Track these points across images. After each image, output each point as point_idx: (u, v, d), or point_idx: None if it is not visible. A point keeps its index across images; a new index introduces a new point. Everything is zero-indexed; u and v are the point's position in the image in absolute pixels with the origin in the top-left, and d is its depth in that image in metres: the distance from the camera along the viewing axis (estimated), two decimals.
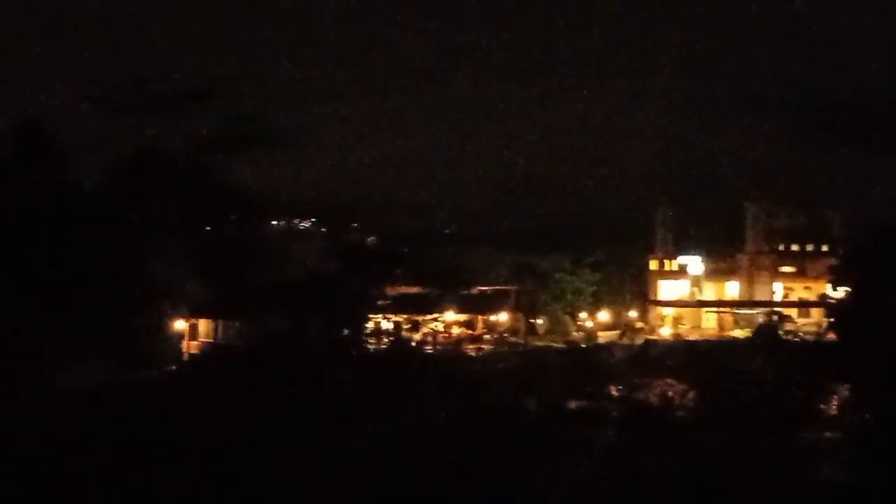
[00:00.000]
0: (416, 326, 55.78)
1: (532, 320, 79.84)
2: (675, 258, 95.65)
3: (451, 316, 69.77)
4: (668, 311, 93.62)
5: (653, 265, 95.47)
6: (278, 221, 35.15)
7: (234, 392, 23.45)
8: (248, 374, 24.58)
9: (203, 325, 30.98)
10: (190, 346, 30.11)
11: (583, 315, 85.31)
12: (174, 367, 28.22)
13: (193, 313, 30.53)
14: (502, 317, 77.64)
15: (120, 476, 19.83)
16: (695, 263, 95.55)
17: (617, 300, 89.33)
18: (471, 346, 57.69)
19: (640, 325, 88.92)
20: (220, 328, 30.75)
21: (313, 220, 40.01)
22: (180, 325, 30.28)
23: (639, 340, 75.10)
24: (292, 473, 20.85)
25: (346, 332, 30.57)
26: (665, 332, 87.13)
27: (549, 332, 79.22)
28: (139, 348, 26.19)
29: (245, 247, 29.60)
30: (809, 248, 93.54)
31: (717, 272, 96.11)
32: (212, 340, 30.62)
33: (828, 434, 26.57)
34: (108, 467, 20.03)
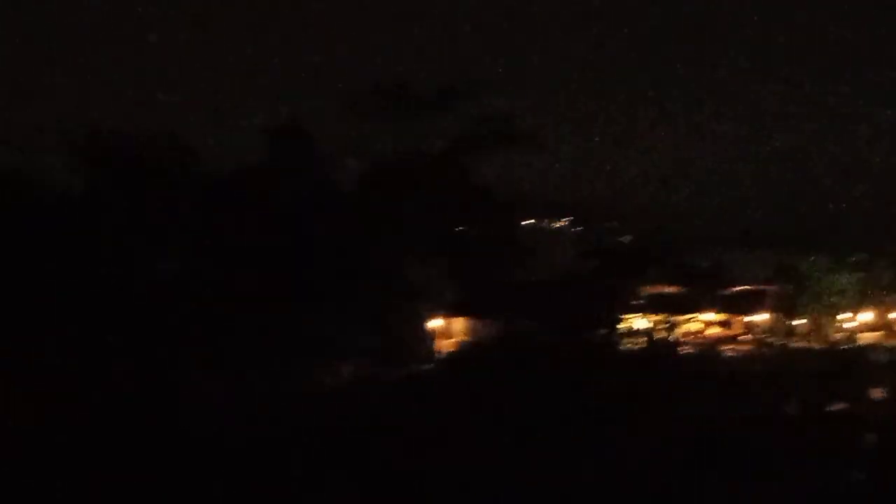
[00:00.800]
0: (672, 327, 54.65)
1: (791, 321, 77.07)
2: None
3: (707, 316, 68.16)
4: None
5: None
6: (532, 220, 34.99)
7: (488, 390, 23.45)
8: (501, 373, 24.54)
9: (457, 323, 31.09)
10: (444, 345, 30.26)
11: (844, 316, 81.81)
12: (430, 366, 28.44)
13: (448, 312, 30.71)
14: (760, 318, 75.24)
15: (372, 472, 19.98)
16: None
17: (882, 300, 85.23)
18: (728, 347, 56.07)
19: None
20: (474, 327, 30.78)
21: (567, 219, 39.63)
22: (435, 323, 30.49)
23: None
24: (545, 472, 20.65)
25: (599, 332, 30.32)
26: None
27: (808, 333, 76.38)
28: (395, 346, 26.50)
29: (498, 246, 29.63)
30: None
31: None
32: (466, 339, 30.70)
33: None
34: (361, 464, 20.21)
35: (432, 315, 30.20)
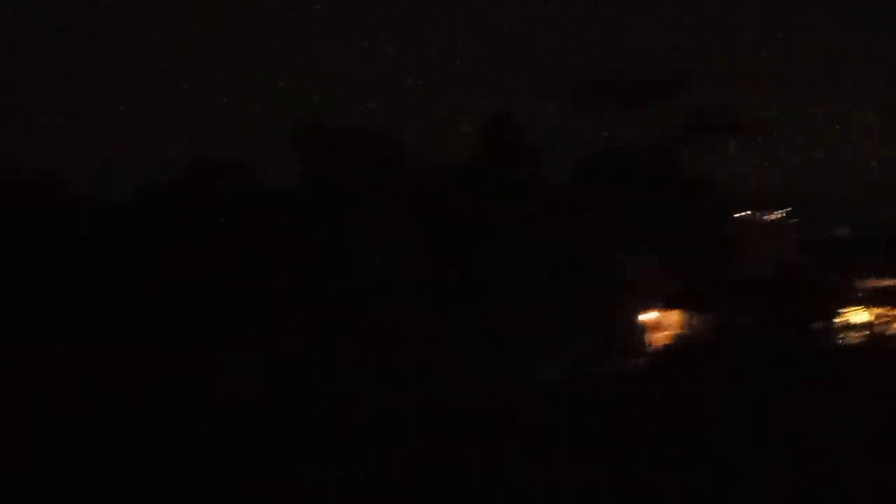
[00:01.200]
0: (892, 320, 52.43)
1: None
2: None
3: None
4: None
5: None
6: (747, 212, 34.17)
7: (701, 386, 23.16)
8: (715, 369, 24.20)
9: (670, 317, 30.64)
10: (657, 339, 29.87)
11: None
12: (642, 359, 28.17)
13: (661, 306, 30.31)
14: None
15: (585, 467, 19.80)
16: None
17: None
18: None
19: None
20: (687, 321, 30.30)
21: (784, 210, 38.55)
22: (648, 316, 30.12)
23: None
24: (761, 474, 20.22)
25: (818, 327, 29.58)
26: None
27: None
28: (608, 340, 26.39)
29: (713, 239, 29.14)
30: None
31: None
32: (679, 333, 30.23)
33: None
34: (573, 459, 20.13)
35: (645, 309, 29.89)
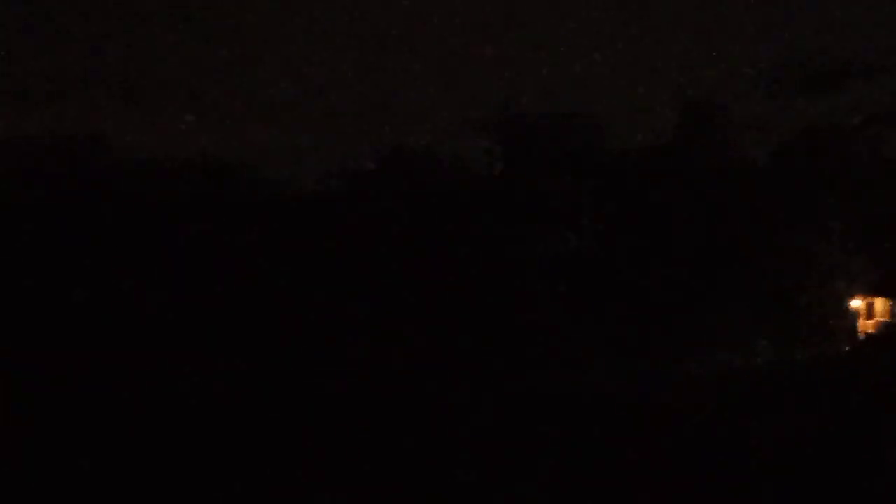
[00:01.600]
0: None
1: None
2: None
3: None
4: None
5: None
6: None
7: None
8: None
9: (879, 304, 29.74)
10: (866, 325, 29.03)
11: None
12: (850, 346, 27.49)
13: (870, 292, 29.45)
14: None
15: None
16: None
17: None
18: None
19: None
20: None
21: None
22: (856, 303, 29.29)
23: None
24: None
25: None
26: None
27: None
28: (811, 327, 25.87)
29: None
30: None
31: None
32: (889, 319, 29.37)
33: None
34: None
35: (854, 295, 29.13)
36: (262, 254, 24.28)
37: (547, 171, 24.82)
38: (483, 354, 23.21)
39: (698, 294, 23.50)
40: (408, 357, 22.80)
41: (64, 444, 20.67)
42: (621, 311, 23.53)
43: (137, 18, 33.07)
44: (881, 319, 29.25)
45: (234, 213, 24.98)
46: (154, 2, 33.85)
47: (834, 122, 28.20)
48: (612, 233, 24.68)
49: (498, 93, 28.46)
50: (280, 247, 24.49)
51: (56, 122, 29.22)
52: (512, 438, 20.50)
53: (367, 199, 25.50)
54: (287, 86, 32.25)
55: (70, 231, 24.50)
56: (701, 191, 24.48)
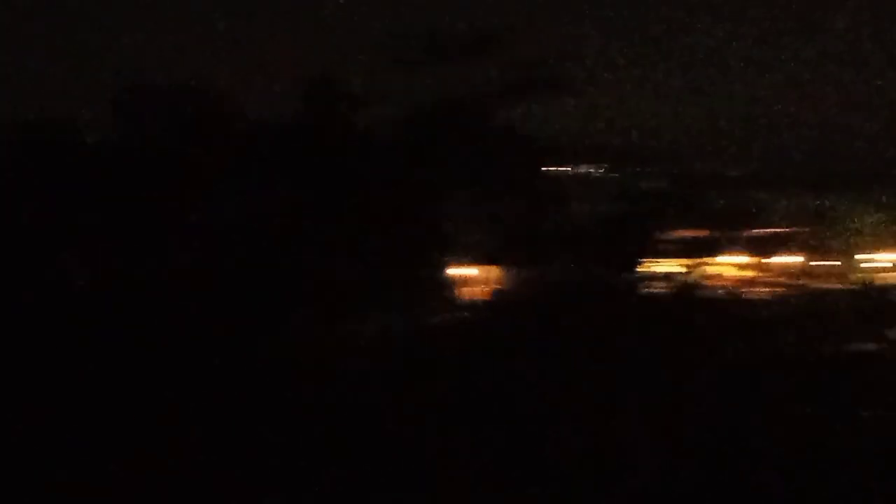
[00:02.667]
0: (698, 270, 54.46)
1: (819, 262, 76.75)
2: None
3: (734, 259, 67.99)
4: None
5: None
6: (565, 167, 34.84)
7: (517, 338, 23.55)
8: (531, 320, 24.65)
9: (490, 271, 31.08)
10: (477, 293, 30.30)
11: (873, 255, 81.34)
12: (461, 314, 28.51)
13: (480, 260, 30.72)
14: (788, 259, 74.89)
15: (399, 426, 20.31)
16: None
17: None
18: (755, 290, 55.80)
19: None
20: (507, 274, 30.82)
21: (601, 165, 39.53)
22: (468, 271, 30.47)
23: None
24: (575, 417, 20.77)
25: (628, 276, 30.45)
26: None
27: (836, 273, 75.86)
28: (427, 295, 26.60)
29: (533, 193, 29.63)
30: None
31: None
32: (498, 287, 30.74)
33: None
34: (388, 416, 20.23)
35: (465, 263, 30.21)
36: None
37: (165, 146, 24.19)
38: None
39: (310, 266, 23.67)
40: None
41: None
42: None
43: None
44: (492, 287, 30.62)
45: None
46: None
47: (457, 92, 28.88)
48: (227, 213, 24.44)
49: None
50: None
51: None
52: None
53: None
54: None
55: None
56: (319, 165, 24.60)
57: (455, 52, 28.65)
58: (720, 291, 45.26)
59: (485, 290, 30.73)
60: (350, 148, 25.50)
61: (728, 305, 35.81)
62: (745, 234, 64.78)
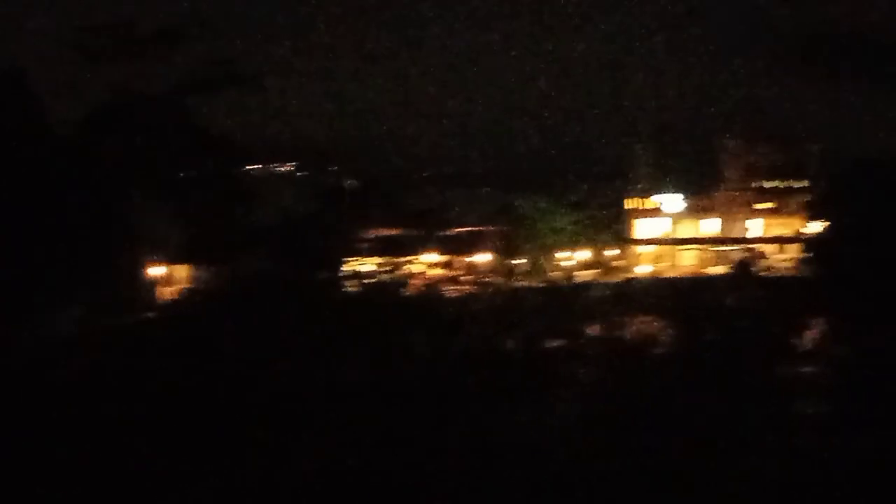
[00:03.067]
0: (395, 268, 55.73)
1: (511, 261, 79.67)
2: (652, 196, 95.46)
3: (430, 257, 69.82)
4: (647, 249, 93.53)
5: (631, 204, 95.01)
6: (257, 165, 34.89)
7: (212, 337, 23.42)
8: (225, 318, 24.53)
9: (182, 270, 30.80)
10: (167, 292, 29.97)
11: (562, 255, 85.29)
12: (151, 314, 28.10)
13: (172, 259, 30.40)
14: (481, 258, 77.46)
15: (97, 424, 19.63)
16: (672, 201, 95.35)
17: (596, 239, 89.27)
18: (450, 288, 57.69)
19: (618, 263, 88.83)
20: (198, 273, 30.59)
21: (293, 163, 39.88)
22: (159, 270, 30.14)
23: (617, 279, 75.13)
24: (271, 414, 20.82)
25: (323, 274, 30.65)
26: (643, 270, 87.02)
27: (528, 272, 79.09)
28: (118, 294, 26.07)
29: (224, 190, 29.47)
30: (787, 184, 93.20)
31: (695, 209, 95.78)
32: (190, 286, 30.50)
33: (806, 368, 26.88)
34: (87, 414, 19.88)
35: (154, 262, 29.85)
36: None
37: None
38: None
39: None
40: None
41: None
42: None
43: None
44: (182, 286, 30.38)
45: None
46: None
47: (146, 87, 28.36)
48: None
49: None
50: None
51: None
52: None
53: None
54: None
55: None
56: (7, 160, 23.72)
57: (143, 47, 28.21)
58: (416, 289, 46.35)
59: (176, 289, 30.50)
60: (31, 143, 24.70)
61: (424, 303, 36.79)
62: (442, 232, 66.56)
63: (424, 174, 68.73)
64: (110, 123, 26.69)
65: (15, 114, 25.56)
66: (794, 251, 75.60)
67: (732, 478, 20.47)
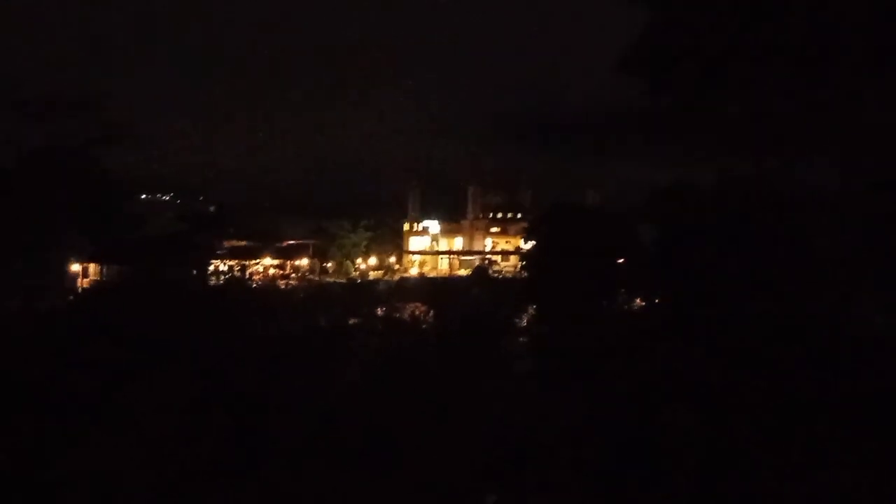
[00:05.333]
0: (244, 268, 55.61)
1: (324, 264, 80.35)
2: (421, 222, 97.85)
3: (268, 261, 69.82)
4: (417, 258, 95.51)
5: (406, 227, 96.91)
6: (145, 195, 34.70)
7: (115, 314, 22.75)
8: (124, 302, 23.89)
9: (93, 267, 30.40)
10: (84, 283, 29.54)
11: (359, 261, 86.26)
12: (71, 297, 27.63)
13: (86, 259, 29.94)
14: (303, 262, 77.85)
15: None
16: (434, 225, 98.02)
17: (382, 250, 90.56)
18: (282, 282, 58.08)
19: (397, 267, 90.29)
20: (104, 270, 30.30)
21: (171, 194, 39.82)
22: (78, 268, 29.66)
23: (396, 277, 76.51)
24: (155, 370, 19.70)
25: (193, 272, 30.40)
26: (414, 272, 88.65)
27: (335, 272, 79.75)
28: (50, 284, 25.37)
29: (120, 214, 29.15)
30: (510, 216, 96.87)
31: (449, 231, 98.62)
32: (98, 279, 30.16)
33: (521, 339, 26.88)
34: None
35: (75, 261, 29.37)
36: None
37: None
38: None
39: None
40: None
41: None
42: None
43: None
44: (94, 278, 30.03)
45: None
46: None
47: (64, 142, 27.69)
48: None
49: None
50: None
51: None
52: None
53: None
54: None
55: None
56: None
57: (63, 112, 27.61)
58: (259, 282, 46.37)
59: (89, 280, 30.09)
60: None
61: (264, 292, 36.74)
62: (277, 244, 66.53)
63: (266, 203, 68.92)
64: (42, 165, 26.18)
65: None
66: (514, 260, 78.82)
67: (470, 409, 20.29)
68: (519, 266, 35.78)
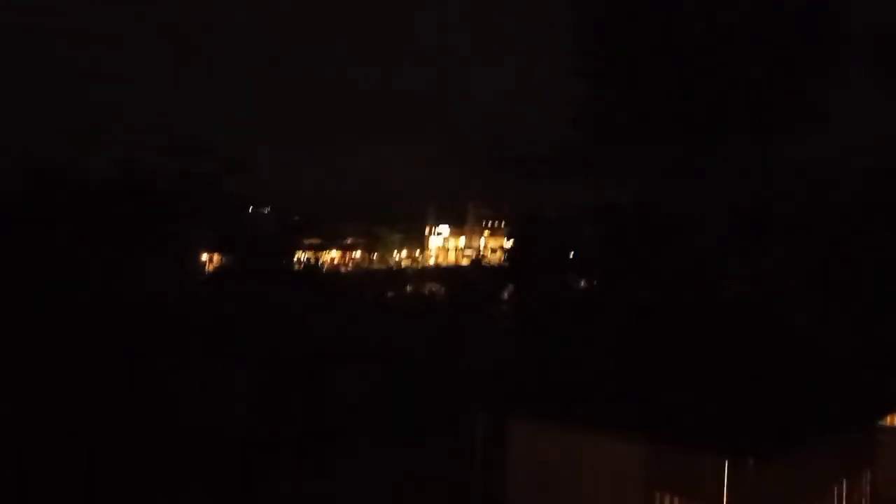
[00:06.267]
0: (317, 259, 56.40)
1: (371, 256, 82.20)
2: (436, 227, 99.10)
3: (333, 253, 71.08)
4: (433, 251, 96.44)
5: (426, 230, 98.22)
6: (252, 208, 34.69)
7: (234, 286, 20.87)
8: (238, 279, 21.94)
9: (216, 257, 30.27)
10: (210, 267, 29.47)
11: (395, 253, 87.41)
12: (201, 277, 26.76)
13: (211, 251, 29.72)
14: (357, 254, 79.64)
15: None
16: (445, 229, 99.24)
17: (410, 246, 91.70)
18: (343, 268, 58.80)
19: (419, 258, 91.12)
20: (224, 259, 29.91)
21: (269, 207, 40.55)
22: (205, 257, 29.41)
23: (419, 265, 77.37)
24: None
25: (283, 261, 29.61)
26: (431, 262, 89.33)
27: (379, 261, 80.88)
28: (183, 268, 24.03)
29: (237, 222, 28.43)
30: (496, 223, 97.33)
31: (455, 234, 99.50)
32: (220, 265, 29.79)
33: (503, 307, 27.04)
34: None
35: (204, 252, 29.05)
36: None
37: None
38: None
39: None
40: None
41: None
42: None
43: None
44: (216, 265, 29.89)
45: None
46: None
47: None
48: None
49: None
50: None
51: None
52: None
53: None
54: None
55: None
56: None
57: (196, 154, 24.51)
58: (327, 268, 46.71)
59: (212, 266, 29.82)
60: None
61: (331, 275, 37.01)
62: (340, 242, 66.51)
63: (332, 213, 69.95)
64: (185, 188, 23.22)
65: None
66: (500, 253, 79.05)
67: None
68: (503, 258, 36.10)
